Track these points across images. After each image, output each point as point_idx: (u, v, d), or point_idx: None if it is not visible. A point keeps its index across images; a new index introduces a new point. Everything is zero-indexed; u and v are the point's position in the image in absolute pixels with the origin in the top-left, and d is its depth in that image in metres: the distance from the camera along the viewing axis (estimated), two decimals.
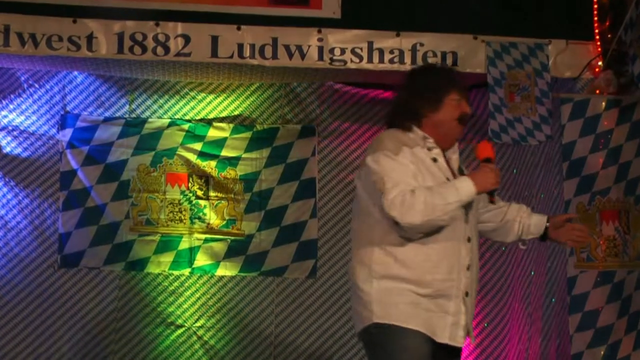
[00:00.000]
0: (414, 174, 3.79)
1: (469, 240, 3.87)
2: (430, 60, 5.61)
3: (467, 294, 3.85)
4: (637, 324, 5.39)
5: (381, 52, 5.61)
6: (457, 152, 4.02)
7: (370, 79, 6.12)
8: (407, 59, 5.62)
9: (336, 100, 6.43)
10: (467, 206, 3.85)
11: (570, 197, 5.56)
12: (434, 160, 3.89)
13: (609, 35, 5.61)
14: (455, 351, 3.88)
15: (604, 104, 5.56)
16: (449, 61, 5.63)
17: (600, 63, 5.63)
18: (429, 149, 3.90)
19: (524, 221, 4.12)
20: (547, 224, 4.10)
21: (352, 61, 5.58)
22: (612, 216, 5.43)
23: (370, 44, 5.60)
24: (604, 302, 5.33)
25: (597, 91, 5.63)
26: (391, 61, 5.62)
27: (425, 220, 3.72)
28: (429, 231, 3.76)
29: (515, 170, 6.21)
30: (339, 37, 5.56)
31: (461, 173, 3.96)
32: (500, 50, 5.65)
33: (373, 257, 3.82)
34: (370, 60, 5.60)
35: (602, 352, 5.28)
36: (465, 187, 3.78)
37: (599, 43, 5.66)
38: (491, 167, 3.88)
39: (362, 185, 3.90)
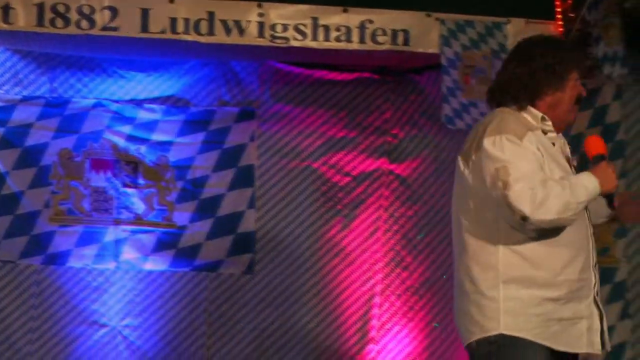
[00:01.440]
0: (541, 163, 3.47)
1: (591, 236, 3.62)
2: (380, 38, 5.35)
3: (597, 293, 3.60)
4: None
5: (327, 29, 5.37)
6: (563, 138, 3.70)
7: (315, 58, 5.85)
8: (355, 37, 5.39)
9: (278, 81, 6.12)
10: None
11: None
12: (553, 144, 3.60)
13: (572, 15, 5.38)
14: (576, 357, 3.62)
15: None
16: (400, 40, 5.41)
17: None
18: (545, 132, 3.58)
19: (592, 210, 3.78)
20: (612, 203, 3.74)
21: (295, 39, 5.35)
22: None
23: (314, 20, 5.36)
24: None
25: None
26: (337, 39, 5.37)
27: (557, 217, 3.41)
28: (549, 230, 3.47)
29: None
30: (281, 12, 5.34)
31: (570, 163, 3.67)
32: (455, 29, 5.41)
33: (499, 258, 3.50)
34: (314, 37, 5.36)
35: None
36: (593, 186, 3.49)
37: (560, 23, 5.42)
38: (610, 165, 3.57)
39: (474, 173, 3.53)
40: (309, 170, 6.01)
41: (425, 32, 5.38)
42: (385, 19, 5.36)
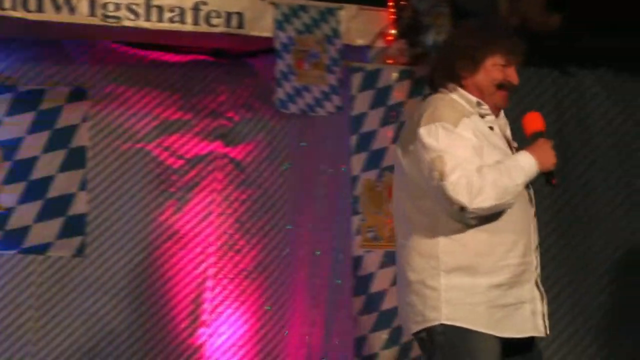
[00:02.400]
0: (476, 149, 3.40)
1: (533, 219, 3.55)
2: (214, 21, 5.30)
3: (539, 276, 3.54)
4: None
5: (160, 9, 5.29)
6: (504, 118, 3.62)
7: (149, 39, 5.70)
8: (189, 19, 5.35)
9: (111, 61, 5.94)
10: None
11: (358, 172, 5.42)
12: (491, 128, 3.51)
13: (403, 3, 5.47)
14: (527, 345, 3.53)
15: (395, 74, 5.42)
16: (234, 23, 5.37)
17: (393, 31, 5.48)
18: (482, 116, 3.51)
19: None
20: None
21: (127, 18, 5.24)
22: None
23: (147, 0, 5.26)
24: (389, 284, 5.18)
25: (389, 61, 5.48)
26: (171, 20, 5.30)
27: (495, 204, 3.36)
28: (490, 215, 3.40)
29: (303, 143, 5.93)
30: None
31: (509, 145, 3.57)
32: (290, 14, 5.41)
33: (439, 247, 3.42)
34: (147, 18, 5.28)
35: (385, 337, 5.15)
36: (529, 166, 3.41)
37: (392, 10, 5.51)
38: (548, 142, 3.49)
39: (412, 163, 3.45)
40: (143, 153, 5.88)
41: (259, 16, 5.36)
42: (220, 1, 5.32)
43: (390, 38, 5.48)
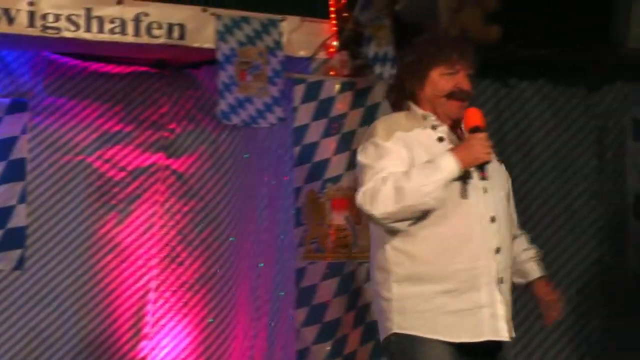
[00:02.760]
0: (405, 160, 3.47)
1: (493, 219, 3.50)
2: (156, 32, 5.28)
3: (501, 280, 3.50)
4: (365, 318, 5.25)
5: (100, 20, 5.26)
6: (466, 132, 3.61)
7: (89, 50, 5.67)
8: (130, 30, 5.32)
9: (52, 73, 5.88)
10: (488, 182, 3.49)
11: (300, 184, 5.43)
12: (440, 139, 3.55)
13: (345, 15, 5.48)
14: (497, 346, 3.53)
15: (338, 86, 5.43)
16: (176, 34, 5.34)
17: (335, 43, 5.49)
18: (434, 128, 3.57)
19: (519, 258, 3.75)
20: (535, 281, 3.76)
21: (67, 29, 5.21)
22: (342, 205, 5.30)
23: (88, 11, 5.24)
24: (332, 295, 5.18)
25: (332, 72, 5.50)
26: (112, 31, 5.28)
27: (396, 208, 3.39)
28: (417, 217, 3.43)
29: (246, 155, 5.91)
30: (52, 2, 5.18)
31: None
32: (231, 25, 5.40)
33: (388, 259, 3.52)
34: (88, 29, 5.24)
35: (327, 348, 5.15)
36: (446, 164, 3.42)
37: (334, 22, 5.52)
38: (480, 137, 3.48)
39: (355, 179, 3.65)
40: (83, 165, 5.83)
41: (201, 27, 5.35)
42: (161, 12, 5.30)
43: (332, 50, 5.49)
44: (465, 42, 3.74)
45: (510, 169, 5.71)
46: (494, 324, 3.49)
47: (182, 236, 5.92)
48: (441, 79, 3.57)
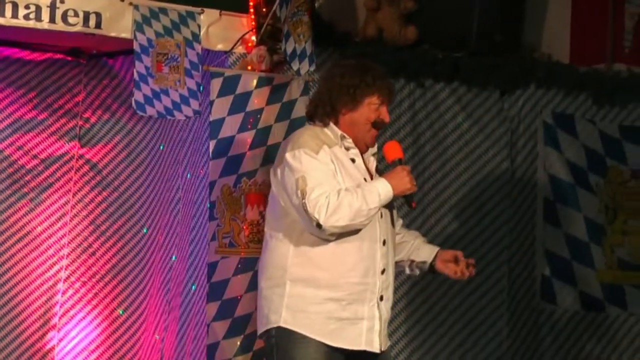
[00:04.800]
0: (334, 175, 3.80)
1: (384, 243, 3.90)
2: (72, 20, 5.20)
3: (381, 298, 3.89)
4: None
5: (15, 5, 5.11)
6: (375, 154, 4.03)
7: (3, 35, 5.55)
8: (45, 17, 5.17)
9: None
10: (383, 208, 3.88)
11: (215, 177, 5.38)
12: (353, 160, 3.90)
13: (264, 10, 5.44)
14: (370, 357, 3.90)
15: (255, 81, 5.41)
16: (92, 23, 5.24)
17: (253, 38, 5.45)
18: (347, 149, 3.91)
19: (415, 244, 4.17)
20: (436, 254, 4.14)
21: None
22: (257, 200, 5.28)
23: None
24: (243, 290, 5.17)
25: (249, 67, 5.47)
26: (26, 17, 5.13)
27: (349, 223, 3.74)
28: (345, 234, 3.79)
29: (162, 146, 5.88)
30: None
31: (379, 172, 3.99)
32: (149, 16, 5.30)
33: (289, 259, 3.83)
34: (1, 14, 5.08)
35: (238, 343, 5.14)
36: (384, 191, 3.79)
37: (253, 17, 5.47)
38: (407, 168, 3.88)
39: (279, 184, 3.87)
40: None
41: (118, 16, 5.24)
42: (78, 0, 5.18)
43: (250, 44, 5.45)
44: (389, 79, 4.08)
45: (424, 169, 5.89)
46: (370, 336, 3.89)
47: (94, 226, 5.86)
48: (371, 108, 3.92)
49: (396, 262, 4.14)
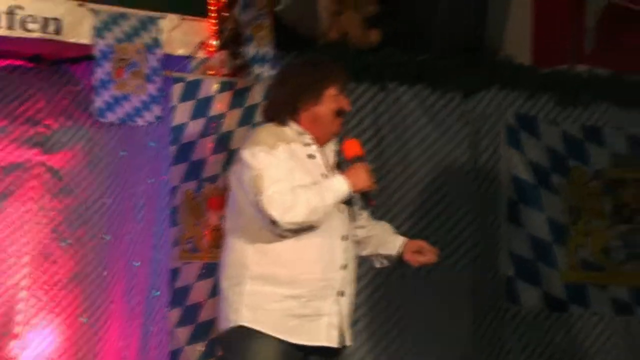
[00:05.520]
0: (291, 171, 3.79)
1: (344, 238, 3.90)
2: (31, 26, 5.18)
3: (342, 293, 3.88)
4: None
5: None
6: (334, 149, 4.01)
7: None
8: (3, 23, 5.18)
9: None
10: (343, 204, 3.87)
11: (177, 183, 5.41)
12: (311, 156, 3.90)
13: (225, 14, 5.45)
14: (331, 352, 3.90)
15: (216, 86, 5.42)
16: (51, 29, 5.24)
17: (214, 42, 5.46)
18: (306, 145, 3.91)
19: (382, 237, 4.16)
20: (403, 244, 4.13)
21: None
22: (219, 205, 5.27)
23: None
24: (207, 296, 5.17)
25: (211, 72, 5.48)
26: None
27: (305, 220, 3.75)
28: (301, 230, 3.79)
29: (123, 152, 5.84)
30: None
31: (340, 169, 3.94)
32: (109, 21, 5.33)
33: (248, 257, 3.83)
34: None
35: (201, 349, 5.14)
36: (341, 188, 3.80)
37: (214, 21, 5.47)
38: (366, 166, 3.89)
39: (236, 182, 3.88)
40: None
41: (77, 22, 5.25)
42: (36, 6, 5.17)
43: (211, 49, 5.45)
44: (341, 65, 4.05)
45: (388, 171, 5.89)
46: (329, 332, 3.87)
47: (56, 234, 5.81)
48: (332, 99, 3.92)
49: (365, 256, 4.17)
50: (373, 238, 4.16)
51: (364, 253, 4.16)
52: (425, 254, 4.10)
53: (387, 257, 4.15)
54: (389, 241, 4.14)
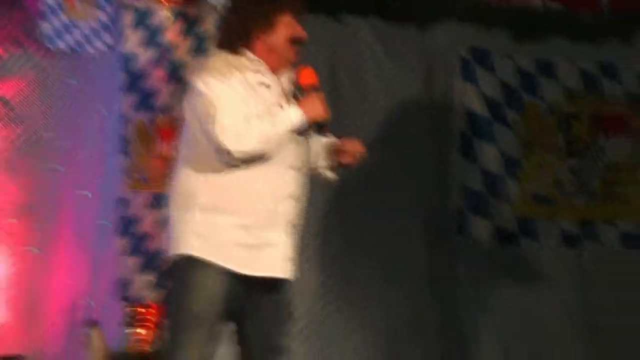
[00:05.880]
0: (244, 100, 3.76)
1: (294, 168, 3.88)
2: None
3: (291, 224, 3.90)
4: None
5: None
6: (290, 77, 3.97)
7: None
8: None
9: None
10: (297, 135, 3.85)
11: (129, 113, 5.33)
12: (265, 85, 3.87)
13: None
14: (275, 285, 3.90)
15: (168, 14, 5.33)
16: None
17: None
18: (260, 74, 3.87)
19: (315, 149, 4.06)
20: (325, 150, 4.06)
21: None
22: (171, 135, 5.21)
23: None
24: (156, 227, 5.13)
25: (162, 0, 5.36)
26: None
27: (258, 150, 3.72)
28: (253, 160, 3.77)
29: (74, 81, 5.76)
30: None
31: (295, 98, 3.91)
32: None
33: (199, 186, 3.81)
34: None
35: (151, 279, 5.11)
36: (295, 117, 3.78)
37: None
38: (320, 95, 3.86)
39: (190, 111, 3.85)
40: None
41: None
42: None
43: None
44: None
45: (344, 106, 5.87)
46: (281, 263, 3.88)
47: (6, 164, 5.74)
48: (286, 26, 3.88)
49: (315, 175, 4.12)
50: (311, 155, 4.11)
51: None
52: (348, 152, 4.03)
53: (323, 167, 4.08)
54: (318, 154, 4.08)
